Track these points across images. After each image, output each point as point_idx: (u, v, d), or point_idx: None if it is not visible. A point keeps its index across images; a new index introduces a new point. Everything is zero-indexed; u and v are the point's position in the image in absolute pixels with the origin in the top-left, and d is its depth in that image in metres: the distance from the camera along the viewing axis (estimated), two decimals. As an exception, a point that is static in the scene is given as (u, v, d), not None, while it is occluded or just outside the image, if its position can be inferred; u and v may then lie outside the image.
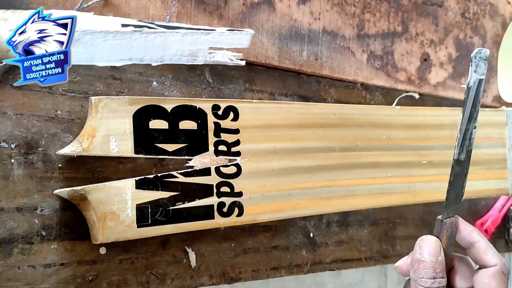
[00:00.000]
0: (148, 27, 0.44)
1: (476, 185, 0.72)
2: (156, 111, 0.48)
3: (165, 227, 0.49)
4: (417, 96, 0.77)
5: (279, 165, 0.56)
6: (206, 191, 0.51)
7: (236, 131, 0.53)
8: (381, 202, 0.65)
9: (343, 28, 0.68)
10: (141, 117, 0.48)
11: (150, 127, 0.48)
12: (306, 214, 0.59)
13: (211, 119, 0.52)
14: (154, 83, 0.53)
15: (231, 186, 0.53)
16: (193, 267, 0.55)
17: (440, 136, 0.68)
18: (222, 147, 0.52)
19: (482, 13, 0.88)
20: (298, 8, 0.64)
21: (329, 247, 0.67)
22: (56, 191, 0.45)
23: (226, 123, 0.52)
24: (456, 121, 0.68)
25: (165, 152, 0.49)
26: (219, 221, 0.52)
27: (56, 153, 0.46)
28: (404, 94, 0.75)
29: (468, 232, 0.44)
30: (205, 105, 0.51)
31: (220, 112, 0.52)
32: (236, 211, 0.53)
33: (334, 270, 0.68)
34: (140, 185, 0.48)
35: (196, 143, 0.51)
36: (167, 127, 0.49)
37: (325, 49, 0.66)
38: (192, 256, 0.55)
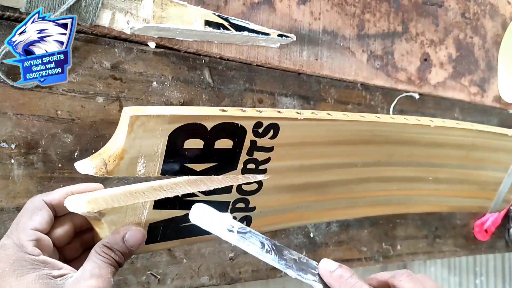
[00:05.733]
0: (224, 26, 0.54)
1: (463, 201, 0.73)
2: (196, 130, 0.43)
3: (173, 242, 0.47)
4: (417, 96, 0.77)
5: (299, 181, 0.53)
6: (221, 207, 0.48)
7: (270, 149, 0.48)
8: (376, 212, 0.64)
9: (343, 28, 0.68)
10: (177, 137, 0.42)
11: (185, 146, 0.43)
12: (308, 223, 0.59)
13: (249, 137, 0.46)
14: (154, 83, 0.53)
15: (246, 202, 0.50)
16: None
17: (456, 155, 0.66)
18: (250, 165, 0.48)
19: (482, 13, 0.87)
20: (298, 8, 0.64)
21: (329, 247, 0.67)
22: (70, 209, 0.40)
23: (262, 141, 0.47)
24: (477, 143, 0.67)
25: (192, 172, 0.45)
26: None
27: (78, 171, 0.41)
28: (404, 94, 0.75)
29: None
30: (248, 123, 0.45)
31: (260, 130, 0.47)
32: (244, 224, 0.51)
33: (334, 270, 0.68)
34: (158, 205, 0.43)
35: (226, 162, 0.46)
36: (202, 146, 0.44)
37: (325, 49, 0.66)
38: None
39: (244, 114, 0.45)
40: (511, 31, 0.89)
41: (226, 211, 0.49)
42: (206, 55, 0.57)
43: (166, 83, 0.54)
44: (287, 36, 0.60)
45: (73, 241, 0.42)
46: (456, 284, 1.67)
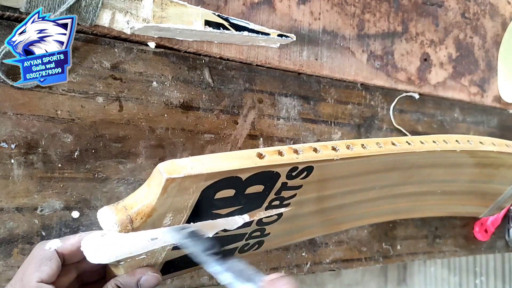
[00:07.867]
0: (224, 26, 0.54)
1: (461, 208, 0.74)
2: (230, 182, 0.40)
3: (183, 271, 0.47)
4: (417, 96, 0.77)
5: (316, 208, 0.52)
6: (238, 238, 0.47)
7: (299, 187, 0.47)
8: (379, 220, 0.65)
9: (343, 28, 0.68)
10: (210, 191, 0.40)
11: (215, 197, 0.41)
12: (314, 237, 0.58)
13: (281, 180, 0.44)
14: (154, 83, 0.53)
15: (263, 230, 0.49)
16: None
17: (470, 172, 0.66)
18: (275, 202, 0.47)
19: (482, 13, 0.87)
20: (298, 8, 0.64)
21: (329, 247, 0.67)
22: (90, 259, 0.38)
23: (293, 182, 0.45)
24: (494, 162, 0.67)
25: (218, 216, 0.43)
26: (236, 257, 0.50)
27: (100, 223, 0.39)
28: (404, 94, 0.75)
29: None
30: (283, 169, 0.43)
31: (294, 173, 0.44)
32: (256, 246, 0.51)
33: (334, 270, 0.68)
34: (177, 246, 0.41)
35: (253, 204, 0.45)
36: (233, 194, 0.42)
37: (325, 49, 0.66)
38: None
39: (281, 160, 0.42)
40: (511, 31, 0.89)
41: (241, 240, 0.48)
42: (206, 55, 0.57)
43: (166, 83, 0.54)
44: (287, 36, 0.60)
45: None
46: (456, 284, 1.67)
